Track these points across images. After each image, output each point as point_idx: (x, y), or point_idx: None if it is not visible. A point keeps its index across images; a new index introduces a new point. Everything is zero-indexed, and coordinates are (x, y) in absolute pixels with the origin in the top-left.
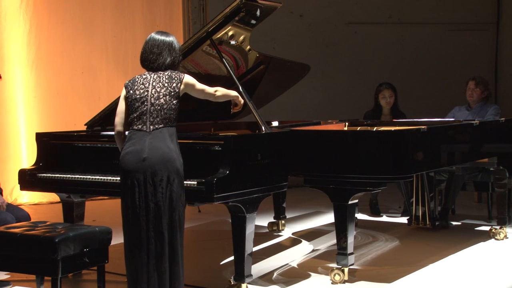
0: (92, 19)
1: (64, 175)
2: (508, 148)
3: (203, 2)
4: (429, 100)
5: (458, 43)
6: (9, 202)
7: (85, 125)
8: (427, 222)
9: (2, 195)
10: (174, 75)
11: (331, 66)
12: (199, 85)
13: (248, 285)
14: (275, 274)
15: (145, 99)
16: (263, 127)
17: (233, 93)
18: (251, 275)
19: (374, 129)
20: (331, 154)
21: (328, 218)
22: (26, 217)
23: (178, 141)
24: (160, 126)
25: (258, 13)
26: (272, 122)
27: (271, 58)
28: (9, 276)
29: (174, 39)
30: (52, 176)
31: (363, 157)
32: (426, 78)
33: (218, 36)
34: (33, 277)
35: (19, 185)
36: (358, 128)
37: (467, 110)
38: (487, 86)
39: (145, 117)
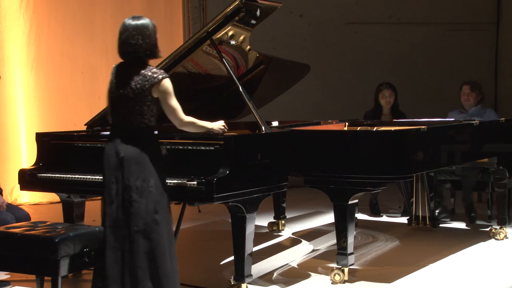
0: (92, 19)
1: (64, 175)
2: (508, 148)
3: (203, 2)
4: (429, 100)
5: (458, 43)
6: (9, 202)
7: (85, 125)
8: (427, 222)
9: (2, 195)
10: (150, 75)
11: (331, 66)
12: (172, 102)
13: (248, 285)
14: (275, 274)
15: (120, 98)
16: (263, 127)
17: (209, 124)
18: (251, 275)
19: (374, 129)
20: (331, 154)
21: (328, 218)
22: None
23: (179, 141)
24: (135, 126)
25: (258, 13)
26: (272, 122)
27: (271, 58)
28: (9, 276)
29: (148, 21)
30: (52, 176)
31: (363, 157)
32: (426, 78)
33: (218, 36)
34: (33, 277)
35: (19, 185)
36: (358, 128)
37: (463, 113)
38: (481, 90)
39: (120, 116)
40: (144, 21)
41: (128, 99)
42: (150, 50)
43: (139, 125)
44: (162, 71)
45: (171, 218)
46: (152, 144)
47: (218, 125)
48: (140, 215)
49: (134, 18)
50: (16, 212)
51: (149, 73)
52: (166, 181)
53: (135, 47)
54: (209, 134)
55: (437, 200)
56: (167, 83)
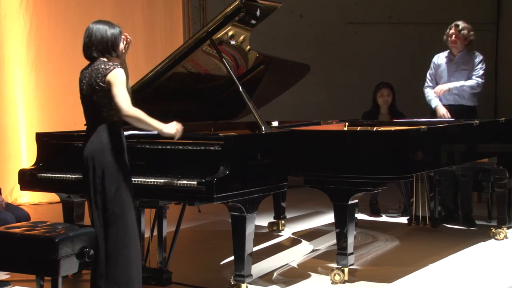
0: (92, 19)
1: (64, 175)
2: (508, 148)
3: (203, 2)
4: None
5: None
6: (9, 202)
7: (85, 125)
8: (427, 222)
9: (1, 194)
10: (102, 68)
11: (331, 66)
12: (116, 90)
13: (248, 285)
14: (275, 274)
15: (85, 98)
16: (263, 127)
17: (160, 125)
18: (251, 275)
19: (374, 129)
20: (331, 154)
21: (328, 218)
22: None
23: (179, 141)
24: (96, 122)
25: (258, 13)
26: (272, 122)
27: (271, 58)
28: (9, 276)
29: (106, 26)
30: (52, 176)
31: (363, 157)
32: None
33: (218, 36)
34: (33, 277)
35: (19, 185)
36: (358, 128)
37: (450, 59)
38: (470, 31)
39: (85, 115)
40: (101, 25)
41: (90, 95)
42: (102, 48)
43: (101, 120)
44: (116, 64)
45: (132, 216)
46: (113, 138)
47: (170, 127)
48: (100, 209)
49: (97, 22)
50: (16, 212)
51: (102, 66)
52: (133, 179)
53: (89, 45)
54: (209, 134)
55: (441, 202)
56: (116, 72)
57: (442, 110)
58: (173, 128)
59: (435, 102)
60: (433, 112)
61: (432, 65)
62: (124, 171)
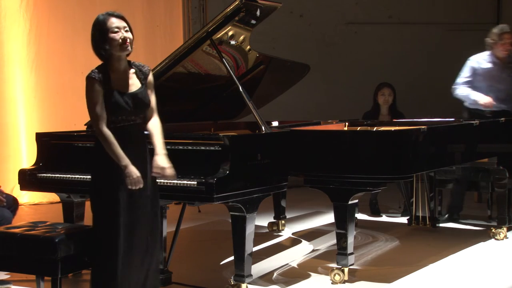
0: (92, 19)
1: (64, 175)
2: (508, 148)
3: (203, 2)
4: (429, 100)
5: (458, 43)
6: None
7: (85, 125)
8: (427, 222)
9: (2, 191)
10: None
11: (331, 66)
12: (87, 101)
13: (248, 285)
14: (275, 274)
15: None
16: (263, 127)
17: (124, 161)
18: (251, 275)
19: (374, 129)
20: (331, 154)
21: (328, 218)
22: (13, 199)
23: (179, 141)
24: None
25: (258, 13)
26: (272, 122)
27: (271, 58)
28: (9, 276)
29: (97, 17)
30: (52, 176)
31: (363, 157)
32: (426, 78)
33: (218, 36)
34: (33, 277)
35: (19, 185)
36: (358, 128)
37: (496, 64)
38: None
39: None
40: (92, 25)
41: None
42: (95, 49)
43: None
44: (94, 70)
45: (114, 223)
46: (100, 148)
47: (131, 171)
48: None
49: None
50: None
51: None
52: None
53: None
54: (209, 134)
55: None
56: (86, 82)
57: (487, 98)
58: (133, 173)
59: (475, 94)
60: (470, 110)
61: (469, 69)
62: (114, 182)
